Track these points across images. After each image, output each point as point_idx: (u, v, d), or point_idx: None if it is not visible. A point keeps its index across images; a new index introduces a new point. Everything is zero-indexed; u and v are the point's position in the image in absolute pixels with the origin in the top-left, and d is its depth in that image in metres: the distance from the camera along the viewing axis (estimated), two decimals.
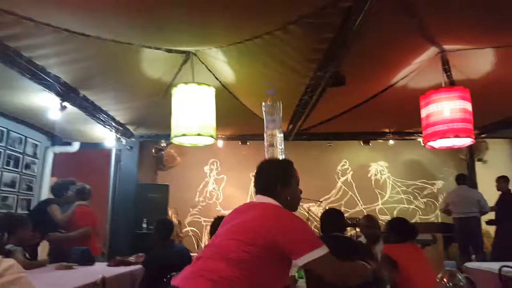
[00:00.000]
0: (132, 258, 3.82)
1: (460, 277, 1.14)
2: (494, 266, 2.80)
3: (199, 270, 1.49)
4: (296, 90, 4.49)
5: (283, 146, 2.45)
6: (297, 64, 3.84)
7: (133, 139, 6.72)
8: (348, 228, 6.54)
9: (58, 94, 4.38)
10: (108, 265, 3.66)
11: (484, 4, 3.04)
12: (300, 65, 3.84)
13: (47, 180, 6.25)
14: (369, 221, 3.79)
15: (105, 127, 5.75)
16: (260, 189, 1.75)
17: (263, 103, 2.51)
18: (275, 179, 1.73)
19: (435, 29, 3.49)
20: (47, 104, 4.73)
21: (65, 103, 4.56)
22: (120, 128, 6.09)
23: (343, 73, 3.82)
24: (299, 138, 6.70)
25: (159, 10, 3.08)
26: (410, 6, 3.02)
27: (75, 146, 6.69)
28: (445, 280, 1.14)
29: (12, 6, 2.92)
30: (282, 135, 2.50)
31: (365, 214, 6.70)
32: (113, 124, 5.80)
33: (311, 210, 7.50)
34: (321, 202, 7.53)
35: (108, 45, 3.57)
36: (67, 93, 4.44)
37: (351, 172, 8.03)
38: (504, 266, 2.68)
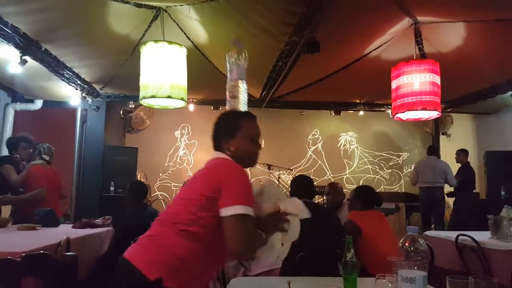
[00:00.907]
0: (98, 221, 3.75)
1: (421, 241, 1.17)
2: (452, 235, 2.94)
3: (147, 236, 1.50)
4: (270, 54, 4.42)
5: (246, 98, 2.27)
6: (272, 27, 3.75)
7: (99, 99, 6.46)
8: (316, 196, 6.69)
9: (17, 46, 4.10)
10: (73, 227, 3.58)
11: None
12: (275, 28, 3.75)
13: (7, 137, 5.98)
14: (332, 188, 3.95)
15: (70, 84, 5.50)
16: (214, 145, 1.68)
17: (227, 53, 2.34)
18: (219, 131, 1.65)
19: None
20: (6, 56, 4.44)
21: (26, 57, 4.30)
22: (86, 86, 5.84)
23: (318, 39, 3.76)
24: (272, 106, 6.68)
25: None
26: None
27: (38, 104, 6.40)
28: (407, 244, 1.17)
29: None
30: (245, 86, 2.34)
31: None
32: (78, 82, 5.54)
33: (281, 177, 7.61)
34: (292, 170, 7.64)
35: None
36: (27, 45, 4.18)
37: (322, 142, 8.15)
38: (460, 234, 2.82)
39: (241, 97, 2.33)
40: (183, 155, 7.89)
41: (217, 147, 1.65)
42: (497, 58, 4.70)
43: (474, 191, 6.59)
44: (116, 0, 3.58)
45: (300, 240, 1.60)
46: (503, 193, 6.47)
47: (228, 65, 2.38)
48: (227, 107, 2.31)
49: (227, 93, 2.38)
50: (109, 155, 6.66)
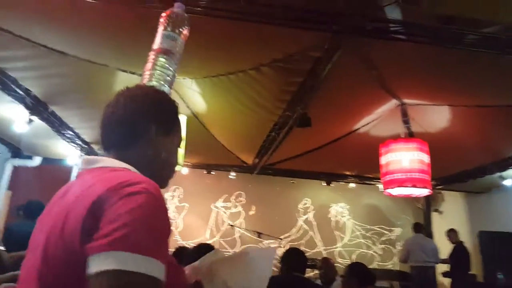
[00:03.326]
0: None
1: None
2: None
3: None
4: (264, 126, 4.65)
5: (169, 79, 1.61)
6: (267, 102, 4.01)
7: None
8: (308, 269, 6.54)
9: (26, 107, 4.33)
10: None
11: (440, 67, 3.32)
12: (270, 103, 4.01)
13: (2, 193, 6.01)
14: (325, 263, 3.95)
15: (70, 144, 5.67)
16: (108, 139, 0.97)
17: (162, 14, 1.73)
18: (148, 116, 0.97)
19: (394, 84, 3.75)
20: (13, 116, 4.65)
21: (33, 117, 4.51)
22: (85, 146, 6.01)
23: (310, 115, 4.00)
24: (264, 173, 6.82)
25: (138, 37, 3.18)
26: (371, 62, 3.26)
27: (36, 161, 6.52)
28: None
29: None
30: (171, 62, 1.64)
31: (324, 256, 6.79)
32: (78, 141, 5.73)
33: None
34: (282, 239, 7.52)
35: (84, 65, 3.62)
36: (36, 106, 4.41)
37: (313, 212, 8.11)
38: None
39: (156, 72, 1.61)
40: (172, 218, 7.79)
41: (121, 144, 0.95)
42: (482, 141, 4.89)
43: (470, 272, 6.39)
44: (124, 70, 3.85)
45: None
46: (500, 276, 6.30)
47: (160, 30, 1.74)
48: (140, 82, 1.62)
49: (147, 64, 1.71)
50: None
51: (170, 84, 1.59)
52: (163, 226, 0.76)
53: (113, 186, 0.76)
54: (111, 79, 4.02)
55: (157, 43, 1.66)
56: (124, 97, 0.99)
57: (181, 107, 3.97)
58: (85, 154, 6.19)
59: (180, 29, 1.69)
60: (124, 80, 4.03)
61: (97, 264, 0.67)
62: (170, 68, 1.62)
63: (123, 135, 0.95)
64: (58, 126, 5.03)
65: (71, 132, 5.34)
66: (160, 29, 1.68)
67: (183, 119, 4.02)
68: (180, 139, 1.06)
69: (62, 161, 6.44)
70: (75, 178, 0.95)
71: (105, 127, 0.98)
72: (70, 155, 6.12)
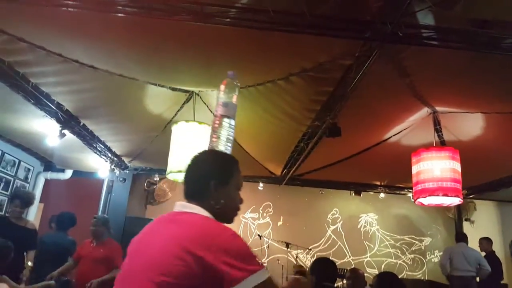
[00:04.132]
0: None
1: None
2: None
3: None
4: (293, 136, 4.62)
5: (230, 137, 1.98)
6: (296, 112, 3.98)
7: (126, 171, 6.72)
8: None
9: (58, 121, 4.45)
10: None
11: (473, 73, 3.24)
12: (299, 113, 3.99)
13: (35, 205, 6.17)
14: (353, 273, 3.89)
15: (101, 157, 5.78)
16: (187, 191, 1.32)
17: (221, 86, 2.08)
18: (210, 174, 1.30)
19: (426, 92, 3.68)
20: (46, 130, 4.78)
21: (65, 131, 4.62)
22: (115, 159, 6.12)
23: (339, 124, 3.95)
24: (292, 183, 6.76)
25: (168, 51, 3.23)
26: (403, 69, 3.20)
27: (68, 174, 6.67)
28: None
29: (27, 34, 3.05)
30: (232, 124, 2.02)
31: (353, 265, 6.68)
32: (109, 154, 5.84)
33: (299, 257, 7.40)
34: (310, 249, 7.46)
35: (115, 79, 3.69)
36: (67, 120, 4.51)
37: (341, 222, 8.00)
38: None
39: (222, 136, 1.98)
40: None
41: (196, 196, 1.28)
42: None
43: (503, 282, 6.22)
44: (154, 84, 3.92)
45: None
46: None
47: (218, 99, 2.07)
48: (207, 147, 2.00)
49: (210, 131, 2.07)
50: (130, 226, 6.70)
51: (232, 141, 1.99)
52: (243, 242, 1.16)
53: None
54: (141, 93, 4.10)
55: (219, 109, 2.02)
56: (192, 162, 1.37)
57: (209, 118, 3.99)
58: (115, 166, 6.31)
59: (234, 94, 2.07)
60: (153, 94, 4.10)
61: None
62: (232, 128, 2.02)
63: (196, 190, 1.31)
64: (89, 139, 5.14)
65: (102, 145, 5.44)
66: (220, 95, 2.04)
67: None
68: (238, 183, 1.37)
69: (93, 174, 6.57)
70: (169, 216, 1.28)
71: (185, 179, 1.36)
72: (101, 168, 6.23)
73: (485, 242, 6.16)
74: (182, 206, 1.27)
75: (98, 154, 5.63)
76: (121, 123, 4.95)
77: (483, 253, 6.10)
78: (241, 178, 1.39)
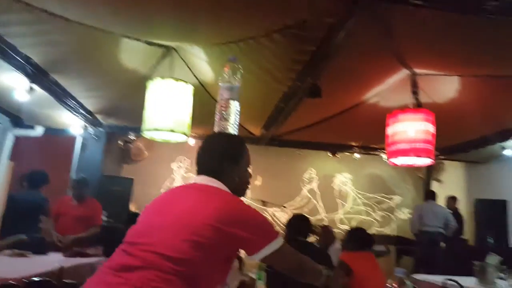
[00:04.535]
0: (90, 250, 3.74)
1: (408, 283, 1.24)
2: (439, 279, 3.00)
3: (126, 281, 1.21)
4: (273, 96, 4.57)
5: (237, 120, 2.13)
6: (277, 72, 3.91)
7: (100, 129, 6.54)
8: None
9: (27, 75, 4.21)
10: (64, 256, 3.56)
11: (455, 36, 3.24)
12: (280, 73, 3.92)
13: (4, 163, 5.97)
14: (323, 229, 4.15)
15: (73, 114, 5.58)
16: (204, 168, 1.51)
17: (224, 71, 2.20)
18: (224, 156, 1.51)
19: (408, 53, 3.68)
20: (13, 84, 4.53)
21: (34, 85, 4.40)
22: (89, 116, 5.92)
23: (320, 85, 3.93)
24: (271, 143, 6.80)
25: (147, 2, 3.06)
26: (386, 29, 3.17)
27: (38, 131, 6.43)
28: (394, 285, 1.24)
29: None
30: (238, 107, 2.15)
31: (327, 222, 6.94)
32: (82, 111, 5.63)
33: (276, 215, 7.61)
34: (285, 207, 7.66)
35: (87, 31, 3.48)
36: (37, 75, 4.28)
37: (317, 181, 8.22)
38: (448, 279, 2.87)
39: (231, 119, 2.11)
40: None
41: (213, 172, 1.48)
42: (488, 111, 4.90)
43: (462, 237, 6.71)
44: (127, 36, 3.73)
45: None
46: (490, 240, 6.52)
47: (221, 84, 2.16)
48: (215, 129, 2.11)
49: (216, 113, 2.16)
50: (105, 185, 6.64)
51: (238, 123, 2.15)
52: (261, 215, 1.45)
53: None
54: (115, 47, 3.91)
55: (224, 94, 2.12)
56: (213, 139, 1.64)
57: (187, 76, 3.91)
58: (88, 123, 6.12)
59: (237, 77, 2.17)
60: (127, 47, 3.92)
61: None
62: (238, 111, 2.16)
63: (212, 170, 1.48)
64: (61, 95, 4.92)
65: (74, 102, 5.23)
66: (224, 78, 2.13)
67: (189, 88, 3.92)
68: (247, 161, 1.59)
69: (66, 132, 6.36)
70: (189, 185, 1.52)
71: (200, 156, 1.55)
72: (73, 124, 6.04)
73: (451, 201, 6.52)
74: (207, 180, 1.46)
75: (70, 110, 5.42)
76: (94, 78, 4.75)
77: (450, 211, 6.47)
78: (249, 156, 1.60)
